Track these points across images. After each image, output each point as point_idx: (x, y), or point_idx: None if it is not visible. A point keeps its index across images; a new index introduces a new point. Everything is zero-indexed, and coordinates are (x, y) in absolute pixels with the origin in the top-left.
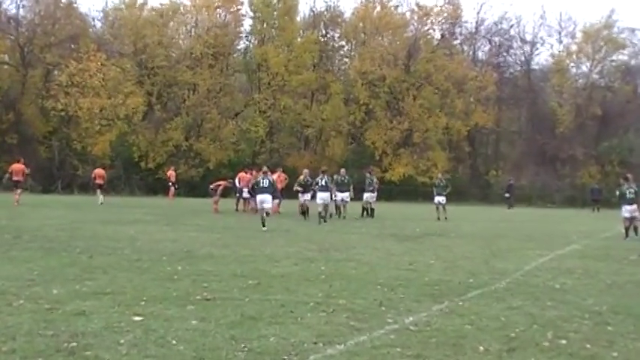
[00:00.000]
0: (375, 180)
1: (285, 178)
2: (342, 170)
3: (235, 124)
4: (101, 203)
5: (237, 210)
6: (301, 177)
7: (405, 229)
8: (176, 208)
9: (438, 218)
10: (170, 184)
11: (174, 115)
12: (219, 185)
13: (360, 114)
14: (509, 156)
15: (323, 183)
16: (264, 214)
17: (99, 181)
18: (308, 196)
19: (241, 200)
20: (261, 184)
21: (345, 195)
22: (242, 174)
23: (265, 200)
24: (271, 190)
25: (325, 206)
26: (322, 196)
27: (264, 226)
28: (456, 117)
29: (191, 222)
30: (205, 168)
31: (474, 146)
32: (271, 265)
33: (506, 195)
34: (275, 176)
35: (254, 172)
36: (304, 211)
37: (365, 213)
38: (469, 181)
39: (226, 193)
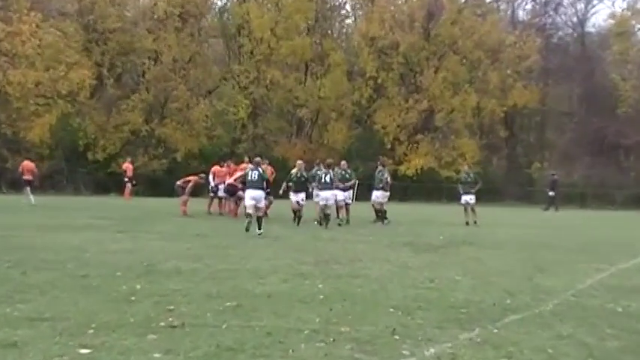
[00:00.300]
0: (386, 174)
1: (272, 172)
2: (343, 162)
3: (209, 103)
4: (31, 204)
5: (210, 213)
6: (294, 171)
7: (424, 237)
8: (134, 211)
9: (467, 222)
10: (126, 179)
11: (132, 92)
12: (189, 182)
13: (367, 91)
14: (556, 144)
15: (327, 179)
16: (258, 215)
17: (27, 177)
18: (302, 196)
19: (216, 200)
20: (250, 177)
21: (348, 194)
22: (216, 167)
23: (255, 197)
24: (261, 184)
25: (326, 208)
26: (325, 196)
27: (259, 229)
28: (489, 94)
29: (153, 228)
30: (171, 159)
31: (512, 131)
32: (255, 283)
33: (551, 193)
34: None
35: (231, 165)
36: (298, 215)
37: (378, 216)
38: (506, 175)
39: (198, 191)
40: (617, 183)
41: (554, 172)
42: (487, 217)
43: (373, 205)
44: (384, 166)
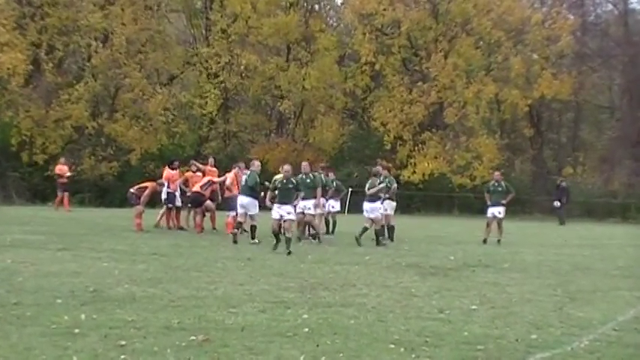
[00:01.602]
0: (387, 181)
1: None
2: (305, 164)
3: (169, 93)
4: None
5: (169, 227)
6: (278, 177)
7: (431, 257)
8: (77, 224)
9: (485, 240)
10: (60, 185)
11: (75, 80)
12: (145, 189)
13: (363, 79)
14: (593, 145)
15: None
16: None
17: None
18: (288, 209)
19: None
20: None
21: (337, 204)
22: (168, 171)
23: (245, 205)
24: (250, 190)
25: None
26: (304, 205)
27: (252, 238)
28: (510, 84)
29: (101, 245)
30: (124, 162)
31: (539, 130)
32: (226, 313)
33: (556, 204)
34: (231, 176)
35: (207, 168)
36: (277, 233)
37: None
38: (531, 183)
39: (157, 200)
40: None
41: (562, 178)
42: (509, 234)
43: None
44: (387, 170)
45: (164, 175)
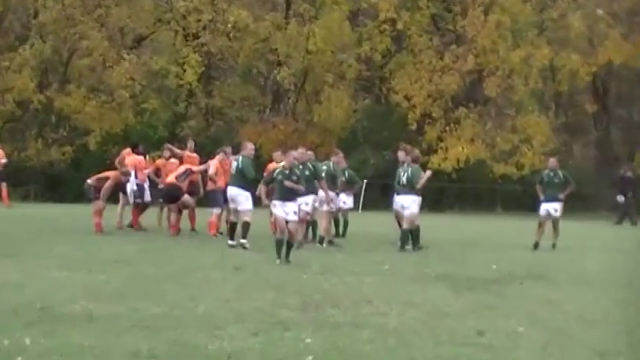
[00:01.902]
0: (413, 169)
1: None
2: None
3: (137, 60)
4: None
5: (142, 228)
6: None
7: (468, 267)
8: (21, 223)
9: (536, 244)
10: None
11: (19, 42)
12: (105, 180)
13: (383, 42)
14: None
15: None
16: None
17: None
18: (292, 207)
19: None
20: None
21: (349, 199)
22: (134, 157)
23: (236, 200)
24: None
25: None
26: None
27: (243, 238)
28: (569, 47)
29: (51, 250)
30: (79, 146)
31: (605, 105)
32: (208, 336)
33: (620, 199)
34: (214, 163)
35: (166, 155)
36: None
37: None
38: (596, 172)
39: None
40: None
41: (626, 166)
42: (567, 237)
43: (398, 220)
44: (415, 160)
45: (126, 161)
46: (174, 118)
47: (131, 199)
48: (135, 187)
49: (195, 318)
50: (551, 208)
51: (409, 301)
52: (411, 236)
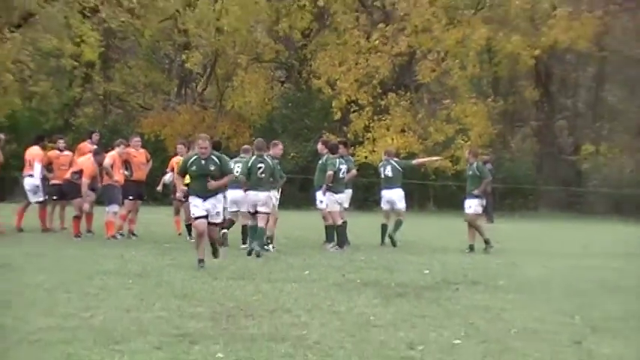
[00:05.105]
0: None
1: (148, 160)
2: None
3: (24, 38)
4: None
5: (19, 229)
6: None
7: (398, 272)
8: None
9: (471, 247)
10: None
11: None
12: None
13: (303, 19)
14: (624, 113)
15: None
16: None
17: None
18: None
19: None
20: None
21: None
22: (36, 150)
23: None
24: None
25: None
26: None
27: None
28: (509, 27)
29: None
30: None
31: (548, 91)
32: (106, 351)
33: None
34: (112, 155)
35: (61, 146)
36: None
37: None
38: (538, 166)
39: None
40: None
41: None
42: (506, 238)
43: (324, 217)
44: (345, 146)
45: (28, 153)
46: (69, 104)
47: (34, 198)
48: (39, 184)
49: (91, 330)
50: (467, 205)
51: (332, 310)
52: (335, 233)
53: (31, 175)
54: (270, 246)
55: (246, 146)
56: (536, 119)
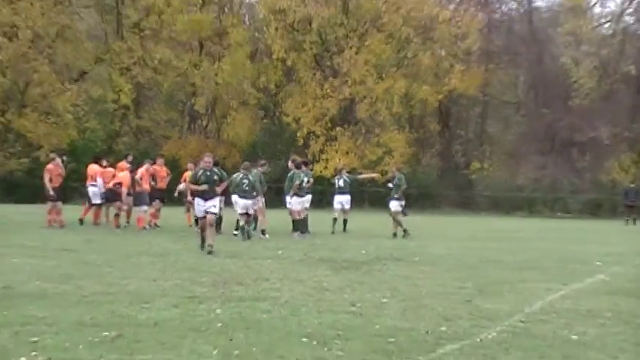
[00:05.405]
0: (347, 177)
1: (168, 174)
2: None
3: (79, 89)
4: None
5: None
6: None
7: (344, 251)
8: None
9: (394, 234)
10: None
11: None
12: (52, 182)
13: (276, 75)
14: (500, 140)
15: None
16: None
17: None
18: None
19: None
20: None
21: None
22: (92, 165)
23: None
24: (252, 192)
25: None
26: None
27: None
28: (420, 79)
29: (11, 241)
30: (33, 158)
31: (447, 124)
32: (138, 308)
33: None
34: (141, 170)
35: (108, 165)
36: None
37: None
38: (440, 177)
39: (67, 196)
40: (570, 186)
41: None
42: (420, 228)
43: (291, 214)
44: (300, 166)
45: (90, 169)
46: (111, 134)
47: (95, 200)
48: (103, 190)
49: (127, 294)
50: (390, 205)
51: (298, 279)
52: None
53: (93, 185)
54: (266, 234)
55: (246, 163)
56: (439, 144)
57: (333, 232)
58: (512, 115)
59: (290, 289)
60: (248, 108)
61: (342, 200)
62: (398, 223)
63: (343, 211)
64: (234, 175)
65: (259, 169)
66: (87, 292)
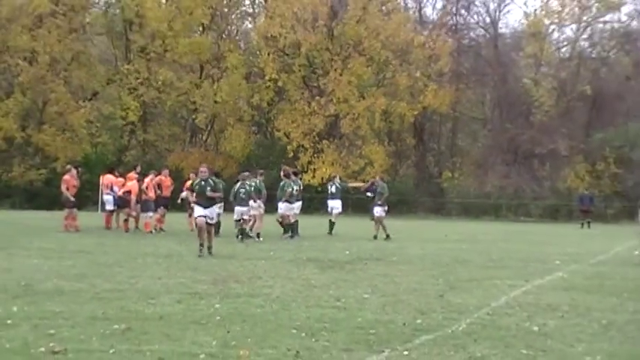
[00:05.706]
0: (339, 184)
1: (172, 183)
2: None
3: (92, 107)
4: None
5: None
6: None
7: (329, 252)
8: (8, 225)
9: (375, 237)
10: None
11: (5, 96)
12: (69, 191)
13: (268, 94)
14: (469, 152)
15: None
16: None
17: None
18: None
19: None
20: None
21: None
22: (107, 175)
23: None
24: (247, 201)
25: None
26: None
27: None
28: (398, 98)
29: (31, 244)
30: (51, 169)
31: (421, 138)
32: (145, 304)
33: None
34: (147, 180)
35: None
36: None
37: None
38: (415, 185)
39: (82, 203)
40: (532, 193)
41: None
42: (397, 232)
43: (283, 218)
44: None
45: (106, 179)
46: (120, 148)
47: (109, 207)
48: (116, 198)
49: (135, 291)
50: (374, 210)
51: (288, 276)
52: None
53: (108, 194)
54: (261, 238)
55: (244, 173)
56: (414, 156)
57: (329, 233)
58: (479, 130)
59: (281, 286)
60: (243, 124)
61: (333, 205)
62: (383, 228)
63: (333, 214)
64: (235, 186)
65: (259, 177)
66: (99, 290)
